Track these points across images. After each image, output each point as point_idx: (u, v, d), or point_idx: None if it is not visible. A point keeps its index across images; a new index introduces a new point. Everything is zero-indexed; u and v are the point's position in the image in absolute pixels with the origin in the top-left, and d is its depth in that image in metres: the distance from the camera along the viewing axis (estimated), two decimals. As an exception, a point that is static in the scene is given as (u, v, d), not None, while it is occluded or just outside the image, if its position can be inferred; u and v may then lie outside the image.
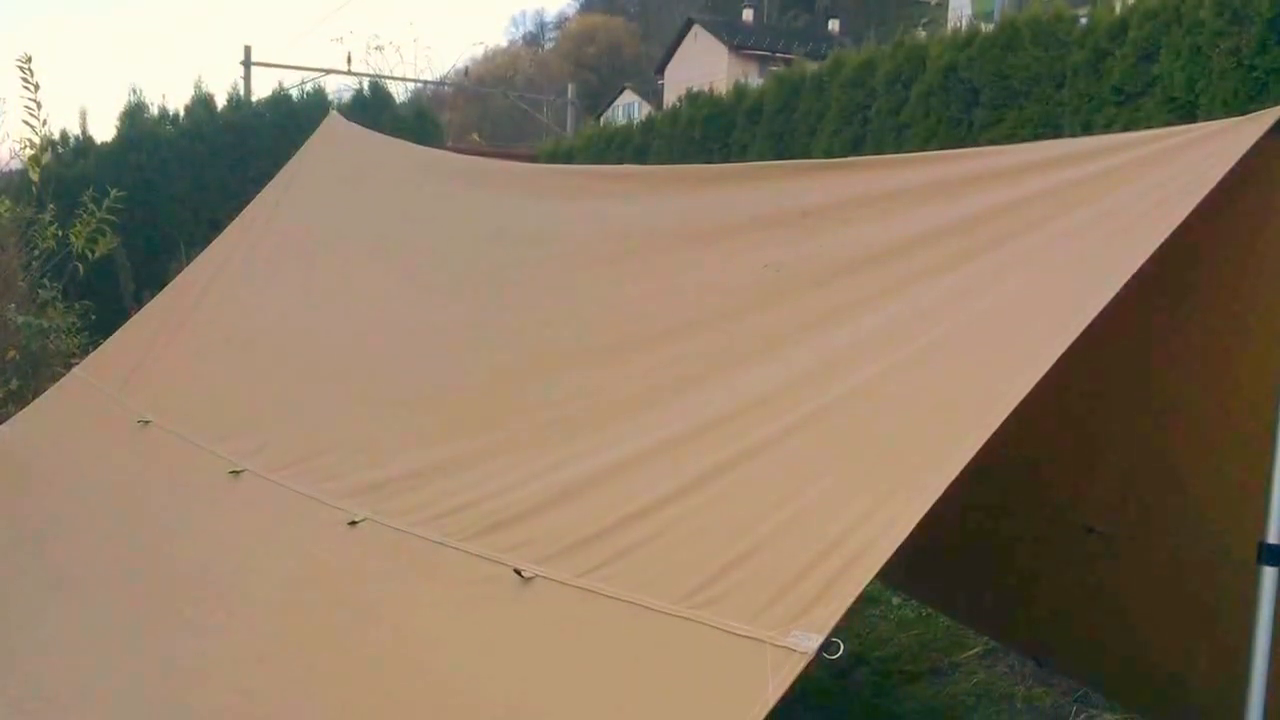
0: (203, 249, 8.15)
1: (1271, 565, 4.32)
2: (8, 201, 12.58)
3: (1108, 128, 10.50)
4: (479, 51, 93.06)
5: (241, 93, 23.00)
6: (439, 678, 4.19)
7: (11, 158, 15.58)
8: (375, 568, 4.79)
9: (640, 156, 17.48)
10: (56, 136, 17.47)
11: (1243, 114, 4.03)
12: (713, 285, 4.95)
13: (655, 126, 17.82)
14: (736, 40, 66.93)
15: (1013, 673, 8.30)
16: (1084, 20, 11.52)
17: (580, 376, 4.95)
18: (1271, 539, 4.31)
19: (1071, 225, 4.03)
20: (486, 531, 4.40)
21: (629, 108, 60.07)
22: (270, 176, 8.29)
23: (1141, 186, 3.96)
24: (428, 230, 6.73)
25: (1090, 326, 3.57)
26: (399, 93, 27.25)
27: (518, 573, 4.11)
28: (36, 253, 12.54)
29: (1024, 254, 4.07)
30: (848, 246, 4.60)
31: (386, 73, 31.89)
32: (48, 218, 12.59)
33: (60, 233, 12.57)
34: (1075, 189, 4.14)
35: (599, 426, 4.57)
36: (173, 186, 17.76)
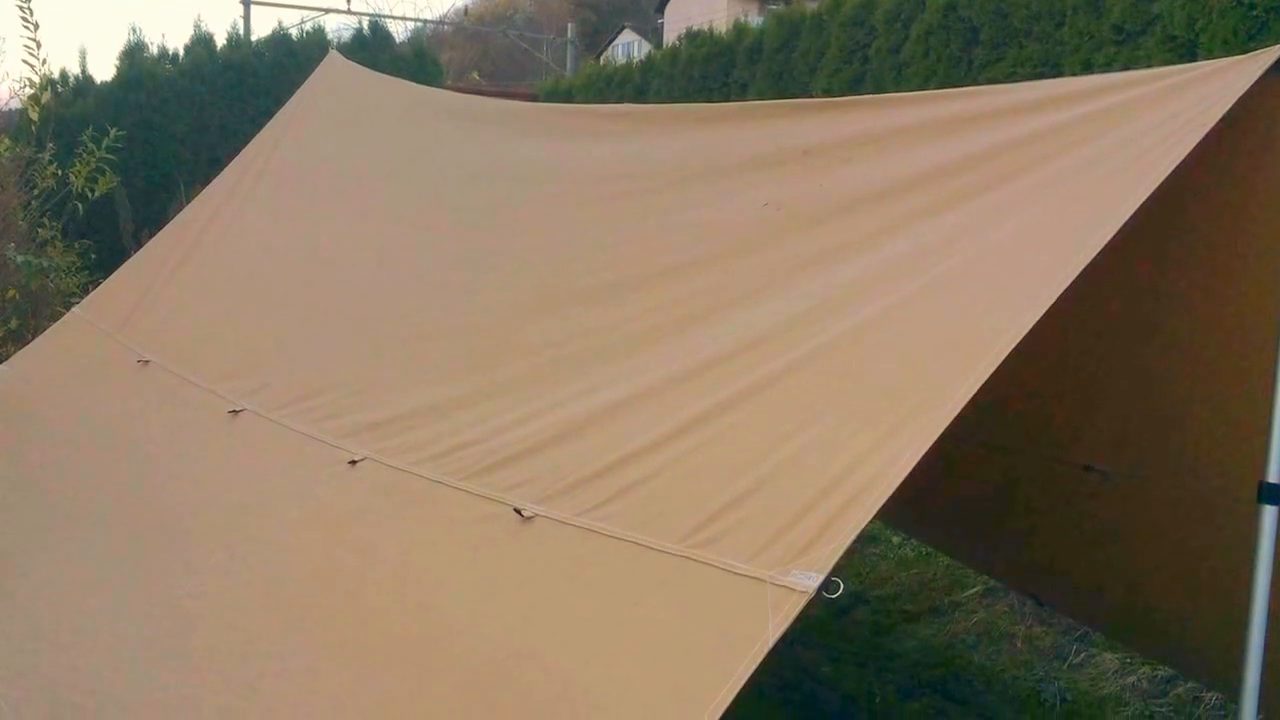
0: (202, 188, 8.14)
1: (1272, 504, 4.32)
2: (7, 141, 12.55)
3: (1107, 66, 10.47)
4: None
5: (241, 32, 22.98)
6: (439, 616, 4.19)
7: (11, 97, 15.55)
8: (375, 507, 4.79)
9: (640, 96, 17.47)
10: (56, 76, 17.45)
11: (1242, 53, 4.01)
12: (712, 224, 4.93)
13: (655, 66, 17.79)
14: (737, -22, 66.69)
15: (1013, 612, 8.34)
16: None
17: (579, 316, 4.93)
18: (1272, 478, 4.31)
19: (1071, 164, 4.01)
20: (486, 471, 4.39)
21: (628, 47, 59.79)
22: (270, 115, 8.28)
23: (1141, 125, 3.94)
24: (427, 170, 6.71)
25: (1090, 265, 3.56)
26: (399, 32, 27.21)
27: (517, 512, 4.11)
28: (36, 192, 12.52)
29: (1024, 193, 4.05)
30: (848, 185, 4.58)
31: (386, 12, 31.76)
32: (47, 157, 12.57)
33: (60, 172, 12.55)
34: (1075, 128, 4.12)
35: (598, 366, 4.56)
36: (172, 126, 17.75)
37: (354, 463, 4.88)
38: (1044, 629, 8.11)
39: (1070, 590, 6.77)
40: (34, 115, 12.68)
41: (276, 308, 6.41)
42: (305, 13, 28.63)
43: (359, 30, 20.58)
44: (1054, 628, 8.08)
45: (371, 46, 19.32)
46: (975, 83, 11.39)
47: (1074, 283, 3.53)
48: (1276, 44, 3.91)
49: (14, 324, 11.31)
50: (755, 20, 17.79)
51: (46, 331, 7.94)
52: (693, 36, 17.09)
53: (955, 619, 8.31)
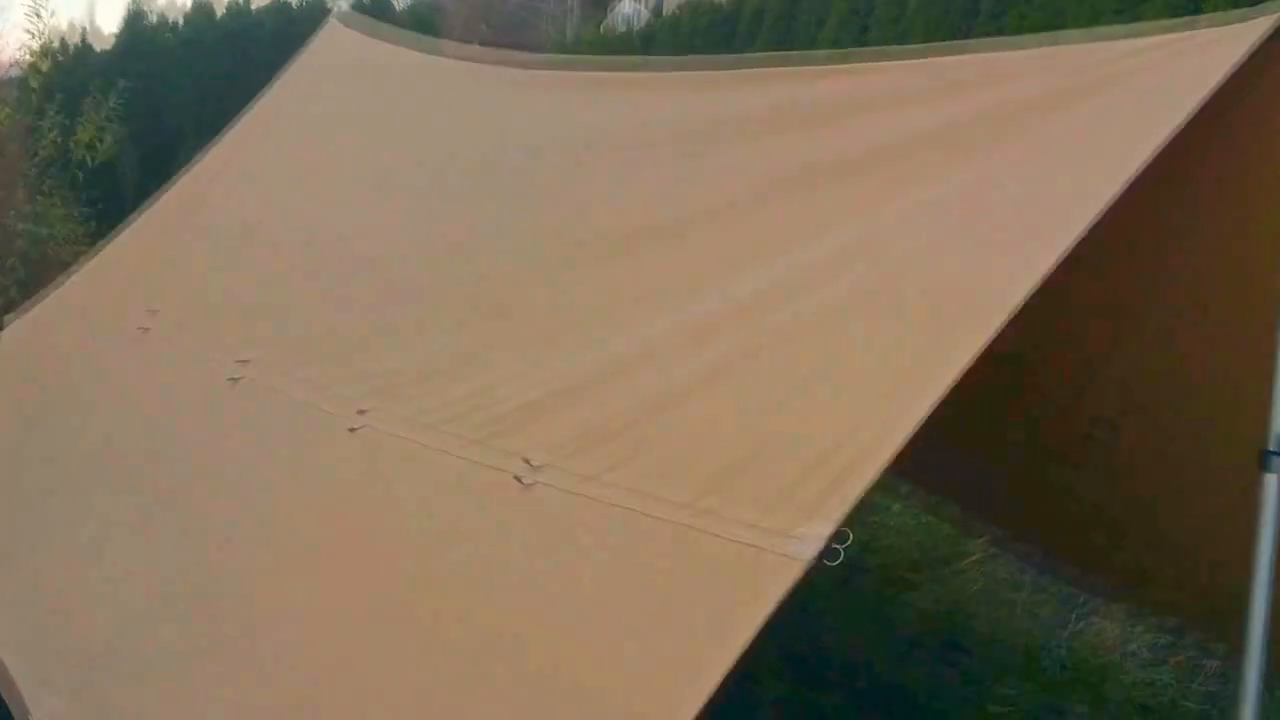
0: (208, 139, 8.13)
1: (1273, 472, 4.31)
2: (8, 109, 12.54)
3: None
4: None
5: (240, 1, 22.89)
6: (439, 581, 4.20)
7: (12, 64, 15.54)
8: (375, 471, 4.79)
9: (646, 46, 17.46)
10: (57, 44, 17.43)
11: (1247, 13, 3.99)
12: (715, 185, 4.92)
13: (656, 35, 17.77)
14: (739, -55, 66.37)
15: (1013, 579, 8.35)
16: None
17: (580, 277, 4.93)
18: (1273, 446, 4.30)
19: (1073, 125, 4.00)
20: (486, 437, 4.38)
21: (630, 17, 59.51)
22: (277, 67, 8.24)
23: (1143, 87, 3.93)
24: (427, 132, 6.69)
25: (1095, 226, 3.55)
26: (398, 1, 27.07)
27: (517, 479, 4.11)
28: (37, 158, 12.52)
29: (1025, 153, 4.04)
30: (850, 146, 4.56)
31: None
32: (48, 124, 12.57)
33: (61, 139, 12.55)
34: (1076, 89, 4.10)
35: (599, 328, 4.56)
36: (173, 94, 17.72)
37: (354, 429, 4.87)
38: (1044, 596, 8.12)
39: (1074, 550, 6.78)
40: (34, 83, 12.70)
41: (279, 272, 6.40)
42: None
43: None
44: (1054, 595, 8.09)
45: (370, 14, 19.28)
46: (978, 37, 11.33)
47: (1079, 242, 3.52)
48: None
49: (14, 292, 11.31)
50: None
51: (48, 297, 7.92)
52: (694, 6, 17.06)
53: (956, 585, 8.33)
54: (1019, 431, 6.21)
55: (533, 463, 4.11)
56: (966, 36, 12.05)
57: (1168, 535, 5.73)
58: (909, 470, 8.07)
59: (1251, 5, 3.84)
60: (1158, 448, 5.48)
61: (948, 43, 4.92)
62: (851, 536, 3.27)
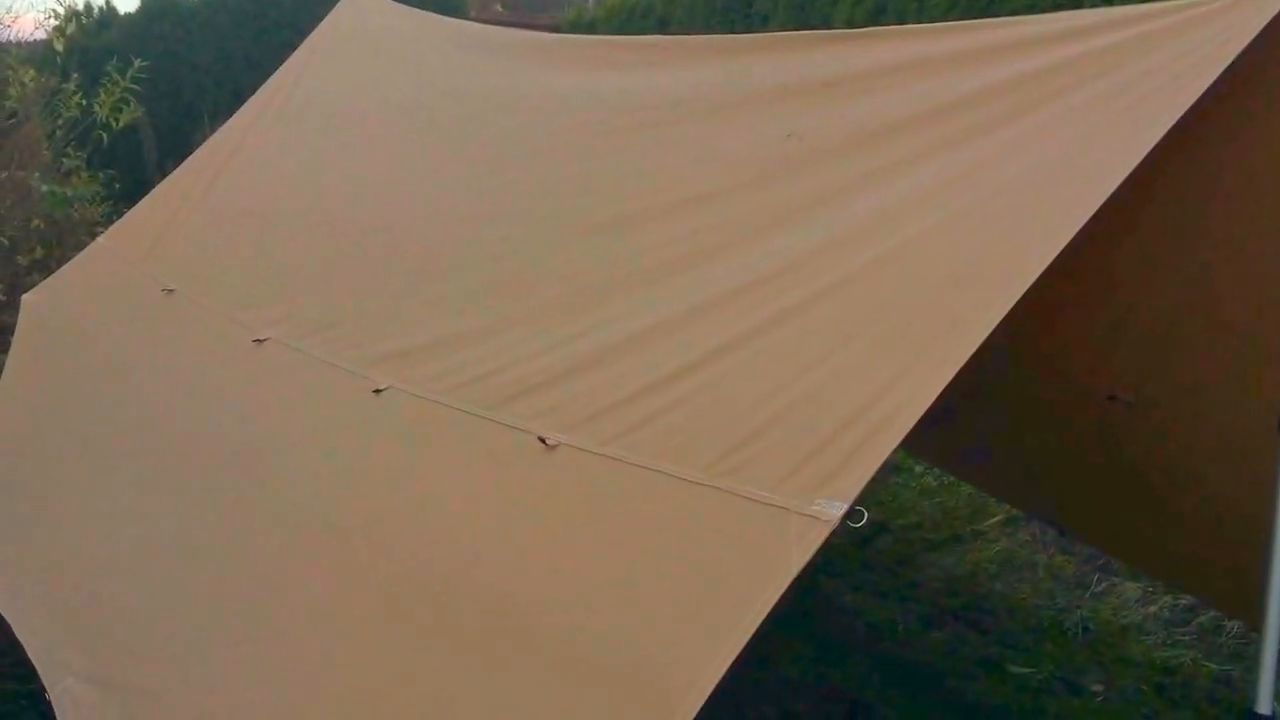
0: (226, 119, 8.13)
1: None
2: (32, 71, 12.57)
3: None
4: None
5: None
6: (463, 544, 4.21)
7: (36, 28, 15.57)
8: (399, 436, 4.81)
9: (662, 27, 17.40)
10: (80, 7, 17.44)
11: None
12: (734, 155, 4.91)
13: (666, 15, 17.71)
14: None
15: (1034, 541, 8.37)
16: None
17: (602, 246, 4.93)
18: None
19: (1093, 96, 3.98)
20: (510, 399, 4.40)
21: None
22: (293, 46, 8.25)
23: (1164, 57, 3.91)
24: (450, 101, 6.69)
25: (1112, 198, 3.55)
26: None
27: (541, 440, 4.13)
28: (60, 122, 12.55)
29: (1045, 124, 4.02)
30: (869, 117, 4.55)
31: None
32: (72, 87, 12.59)
33: (84, 103, 12.57)
34: (1096, 60, 4.08)
35: (621, 295, 4.56)
36: (196, 57, 17.75)
37: (378, 391, 4.89)
38: (1066, 558, 8.14)
39: (1093, 519, 6.79)
40: (59, 46, 12.72)
41: (300, 237, 6.41)
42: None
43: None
44: (1076, 557, 8.11)
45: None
46: (996, 15, 11.28)
47: (1096, 214, 3.52)
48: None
49: (39, 253, 11.37)
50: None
51: (71, 261, 7.95)
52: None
53: (977, 548, 8.34)
54: (1032, 410, 6.22)
55: (556, 426, 4.13)
56: (989, 2, 11.99)
57: (1185, 511, 5.73)
58: (924, 449, 8.14)
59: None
60: (1176, 421, 5.48)
61: (967, 22, 4.90)
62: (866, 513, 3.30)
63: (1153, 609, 7.44)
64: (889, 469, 8.89)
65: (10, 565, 5.73)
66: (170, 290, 6.58)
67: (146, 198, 7.90)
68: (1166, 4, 4.13)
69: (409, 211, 6.03)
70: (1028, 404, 6.15)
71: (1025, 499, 7.71)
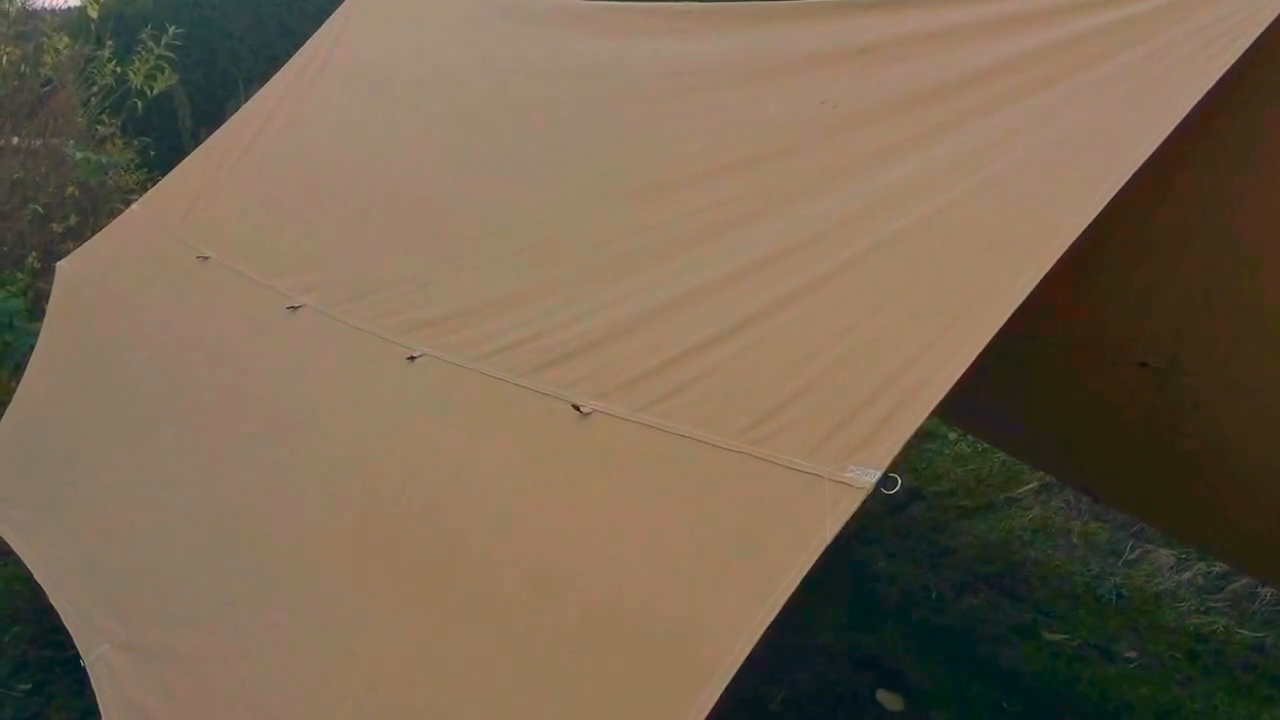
0: (261, 86, 8.14)
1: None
2: (67, 39, 12.58)
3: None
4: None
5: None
6: (498, 512, 4.22)
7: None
8: (434, 403, 4.82)
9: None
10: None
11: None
12: (768, 122, 4.90)
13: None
14: None
15: (1068, 508, 8.36)
16: None
17: (635, 213, 4.92)
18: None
19: (1126, 63, 3.96)
20: (544, 367, 4.41)
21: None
22: (328, 14, 8.25)
23: (1197, 23, 3.88)
24: (484, 67, 6.68)
25: (1145, 165, 3.54)
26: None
27: (575, 408, 4.14)
28: (95, 90, 12.57)
29: (1078, 92, 4.00)
30: (903, 84, 4.54)
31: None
32: (106, 54, 12.61)
33: (119, 70, 12.58)
34: (1130, 27, 4.05)
35: (654, 263, 4.56)
36: (231, 24, 17.71)
37: (413, 359, 4.91)
38: (1099, 525, 8.13)
39: (1125, 487, 6.78)
40: (93, 13, 12.72)
41: (335, 204, 6.42)
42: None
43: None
44: (1109, 524, 8.10)
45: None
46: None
47: (1129, 181, 3.51)
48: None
49: (74, 220, 11.41)
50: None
51: (106, 228, 7.97)
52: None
53: (1011, 515, 8.34)
54: (1063, 377, 6.20)
55: (590, 393, 4.14)
56: None
57: (1218, 479, 5.72)
58: (956, 416, 8.12)
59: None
60: (1209, 388, 5.46)
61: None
62: (900, 480, 3.30)
63: (1186, 576, 7.43)
64: (922, 435, 8.88)
65: (45, 533, 5.77)
66: (205, 257, 6.60)
67: (180, 165, 7.91)
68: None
69: (443, 179, 6.03)
70: (1059, 371, 6.13)
71: (1058, 466, 7.71)
